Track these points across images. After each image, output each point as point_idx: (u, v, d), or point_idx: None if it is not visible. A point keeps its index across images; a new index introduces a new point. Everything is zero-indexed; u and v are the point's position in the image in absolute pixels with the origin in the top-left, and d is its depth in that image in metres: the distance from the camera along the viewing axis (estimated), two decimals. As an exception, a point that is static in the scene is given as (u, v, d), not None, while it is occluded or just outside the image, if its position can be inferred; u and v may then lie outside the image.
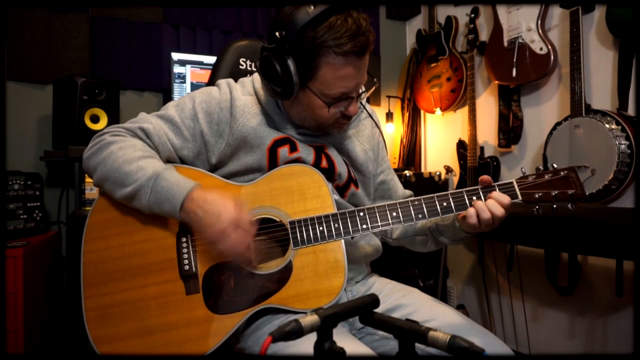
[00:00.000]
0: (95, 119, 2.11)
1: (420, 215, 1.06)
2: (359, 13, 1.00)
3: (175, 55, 2.39)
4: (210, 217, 0.96)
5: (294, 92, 1.02)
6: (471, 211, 1.03)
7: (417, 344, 0.62)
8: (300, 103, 1.08)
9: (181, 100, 1.15)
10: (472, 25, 2.50)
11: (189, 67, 2.41)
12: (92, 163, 1.06)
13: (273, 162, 1.11)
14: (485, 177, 1.07)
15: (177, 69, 2.39)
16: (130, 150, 1.03)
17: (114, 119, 2.15)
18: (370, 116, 1.28)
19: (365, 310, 0.67)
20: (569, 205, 1.05)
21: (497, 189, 1.06)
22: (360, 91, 1.07)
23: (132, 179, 0.99)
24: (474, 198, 1.05)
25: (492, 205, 1.02)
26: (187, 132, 1.11)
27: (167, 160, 1.12)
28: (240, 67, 1.51)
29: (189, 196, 0.98)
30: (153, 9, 2.53)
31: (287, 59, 0.99)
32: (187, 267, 1.03)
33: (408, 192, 1.34)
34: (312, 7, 0.95)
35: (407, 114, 3.07)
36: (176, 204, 0.98)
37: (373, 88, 1.14)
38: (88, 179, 2.00)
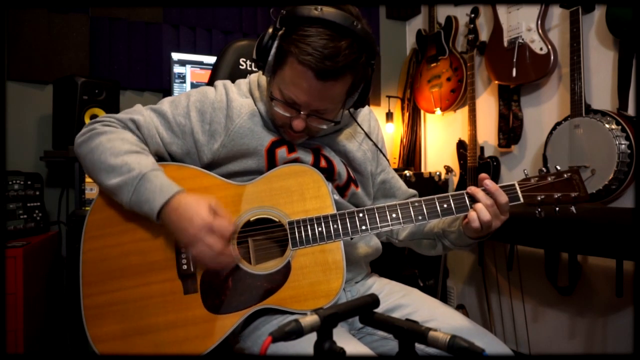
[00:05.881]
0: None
1: (420, 217, 1.05)
2: (353, 46, 0.95)
3: (175, 55, 2.39)
4: (183, 221, 0.95)
5: (265, 68, 1.03)
6: (472, 215, 1.03)
7: (417, 344, 0.62)
8: (269, 90, 1.08)
9: (177, 97, 1.16)
10: (472, 25, 2.50)
11: (189, 67, 2.41)
12: (81, 151, 1.07)
13: (272, 162, 1.11)
14: (484, 175, 1.07)
15: (177, 69, 2.39)
16: (118, 142, 1.04)
17: (114, 119, 2.14)
18: (368, 137, 1.24)
19: (365, 310, 0.67)
20: (572, 208, 1.04)
21: None
22: (317, 115, 1.03)
23: (116, 173, 1.00)
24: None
25: (489, 203, 1.02)
26: (177, 128, 1.11)
27: (156, 154, 1.12)
28: (240, 67, 1.51)
29: (168, 201, 0.97)
30: (153, 9, 2.53)
31: (275, 38, 1.00)
32: (185, 267, 1.03)
33: (411, 191, 1.33)
34: (319, 11, 0.95)
35: (407, 114, 3.07)
36: (155, 207, 0.97)
37: (327, 125, 1.07)
38: (88, 179, 2.00)
